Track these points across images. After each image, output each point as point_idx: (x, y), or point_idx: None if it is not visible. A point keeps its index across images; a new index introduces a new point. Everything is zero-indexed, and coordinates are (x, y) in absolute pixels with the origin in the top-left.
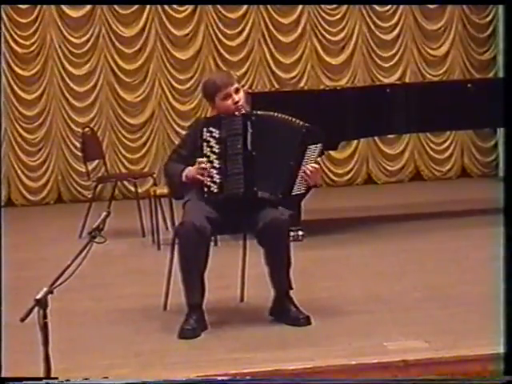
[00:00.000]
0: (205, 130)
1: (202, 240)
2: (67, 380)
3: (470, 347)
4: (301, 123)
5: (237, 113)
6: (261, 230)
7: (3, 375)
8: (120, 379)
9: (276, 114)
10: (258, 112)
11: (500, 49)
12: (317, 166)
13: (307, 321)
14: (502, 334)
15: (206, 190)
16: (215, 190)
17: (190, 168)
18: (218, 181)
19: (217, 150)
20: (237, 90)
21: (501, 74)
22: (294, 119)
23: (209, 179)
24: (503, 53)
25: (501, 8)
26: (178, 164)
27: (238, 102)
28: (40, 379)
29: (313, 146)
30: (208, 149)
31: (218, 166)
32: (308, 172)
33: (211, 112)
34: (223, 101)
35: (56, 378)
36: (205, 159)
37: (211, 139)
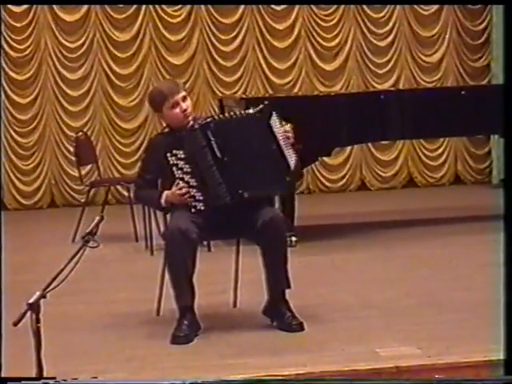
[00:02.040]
0: (168, 155)
1: (187, 242)
2: (66, 380)
3: (463, 354)
4: (250, 112)
5: (186, 123)
6: (260, 229)
7: (3, 375)
8: (120, 379)
9: (228, 113)
10: (215, 117)
11: (494, 56)
12: (287, 128)
13: (300, 327)
14: (502, 335)
15: (193, 210)
16: (202, 208)
17: (167, 193)
18: (201, 198)
19: (189, 170)
20: (184, 98)
21: (495, 81)
22: (244, 112)
23: (192, 200)
24: (503, 54)
25: (495, 16)
26: (150, 190)
27: (186, 109)
28: (39, 379)
29: (272, 120)
30: (179, 171)
31: (195, 184)
32: (287, 141)
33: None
34: (171, 110)
35: (54, 378)
36: (180, 183)
37: (178, 162)
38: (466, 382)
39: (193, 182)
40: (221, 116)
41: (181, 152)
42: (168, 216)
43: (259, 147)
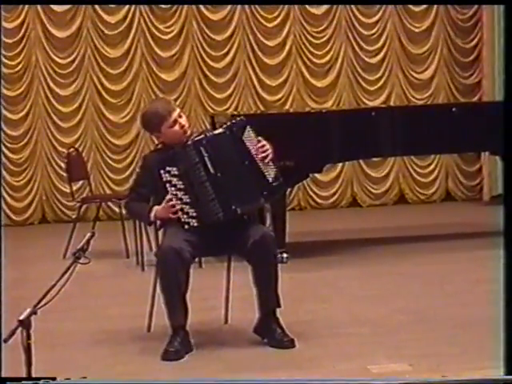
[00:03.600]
0: (162, 172)
1: (180, 261)
2: (67, 379)
3: (454, 370)
4: (224, 128)
5: (185, 138)
6: (251, 247)
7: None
8: (120, 379)
9: (213, 131)
10: (206, 133)
11: (485, 73)
12: (261, 143)
13: (291, 343)
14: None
15: (186, 227)
16: (195, 224)
17: (157, 208)
18: (194, 214)
19: (182, 186)
20: (180, 115)
21: (486, 98)
22: (220, 129)
23: (185, 216)
24: (504, 55)
25: (485, 33)
26: (141, 203)
27: (184, 125)
28: (39, 379)
29: (245, 135)
30: (173, 188)
31: (188, 200)
32: (261, 155)
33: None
34: (171, 128)
35: (54, 379)
36: (173, 200)
37: (172, 178)
38: (466, 382)
39: (186, 199)
40: (211, 132)
41: (174, 169)
42: (160, 233)
43: (239, 162)
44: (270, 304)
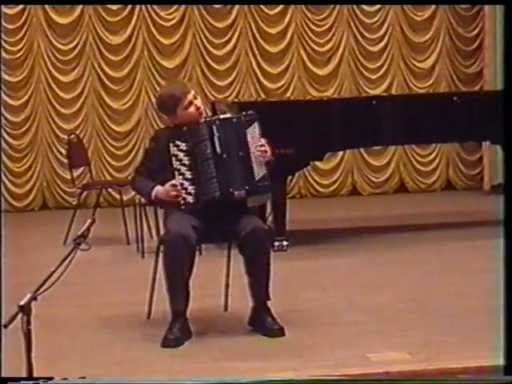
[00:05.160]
0: (171, 144)
1: (187, 248)
2: (66, 379)
3: (453, 359)
4: (235, 115)
5: (200, 119)
6: (242, 239)
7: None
8: (119, 379)
9: (227, 114)
10: (221, 116)
11: (487, 62)
12: (261, 143)
13: (281, 332)
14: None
15: (182, 202)
16: (192, 200)
17: (158, 188)
18: (192, 191)
19: (187, 162)
20: (195, 96)
21: (487, 88)
22: (234, 115)
23: (183, 192)
24: (503, 54)
25: (487, 22)
26: (146, 180)
27: (199, 107)
28: (38, 379)
29: (250, 128)
30: (177, 162)
31: (190, 176)
32: (257, 153)
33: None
34: (186, 110)
35: (52, 378)
36: (176, 174)
37: (179, 153)
38: (466, 382)
39: (188, 175)
40: (222, 116)
41: (183, 144)
42: (160, 220)
43: (235, 151)
44: (260, 297)
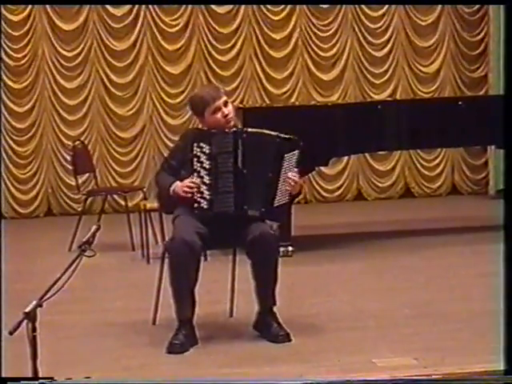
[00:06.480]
0: (195, 145)
1: (192, 255)
2: (68, 379)
3: (459, 364)
4: (277, 134)
5: (227, 128)
6: (250, 243)
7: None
8: (119, 379)
9: (263, 130)
10: (249, 129)
11: (491, 67)
12: (295, 173)
13: (287, 338)
14: (502, 343)
15: (196, 205)
16: (205, 207)
17: (177, 183)
18: (208, 197)
19: (207, 166)
20: (226, 103)
21: (492, 92)
22: (273, 132)
23: (199, 195)
24: (503, 53)
25: (492, 26)
26: (169, 176)
27: (227, 115)
28: (38, 379)
29: (289, 155)
30: (198, 164)
31: (208, 182)
32: (289, 181)
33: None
34: (213, 115)
35: (52, 378)
36: (195, 175)
37: (201, 155)
38: (466, 382)
39: (206, 180)
40: (258, 130)
41: (207, 147)
42: (165, 226)
43: (265, 170)
44: (266, 301)
